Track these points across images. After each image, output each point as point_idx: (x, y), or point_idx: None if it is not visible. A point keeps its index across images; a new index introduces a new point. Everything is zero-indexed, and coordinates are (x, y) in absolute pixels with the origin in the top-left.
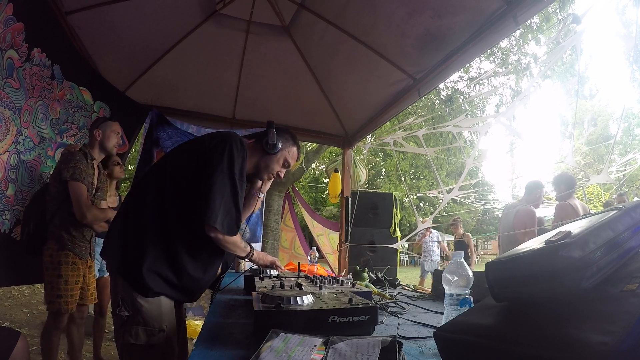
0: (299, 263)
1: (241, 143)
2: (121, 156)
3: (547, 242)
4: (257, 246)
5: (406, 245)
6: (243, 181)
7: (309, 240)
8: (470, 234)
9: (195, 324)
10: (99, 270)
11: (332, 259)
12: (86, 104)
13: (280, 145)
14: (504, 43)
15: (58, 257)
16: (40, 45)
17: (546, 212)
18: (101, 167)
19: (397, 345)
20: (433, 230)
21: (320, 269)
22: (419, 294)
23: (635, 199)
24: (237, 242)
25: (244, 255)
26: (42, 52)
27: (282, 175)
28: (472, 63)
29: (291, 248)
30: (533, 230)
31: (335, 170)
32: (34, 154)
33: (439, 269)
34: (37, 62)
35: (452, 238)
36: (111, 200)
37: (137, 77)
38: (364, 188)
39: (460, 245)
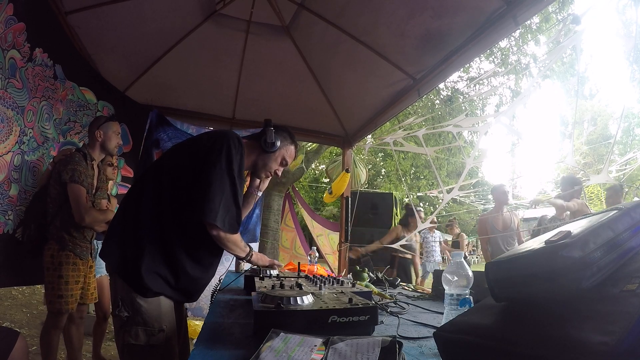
0: (299, 263)
1: (239, 141)
2: (127, 155)
3: (547, 242)
4: (255, 246)
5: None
6: (242, 179)
7: (309, 241)
8: (464, 234)
9: (195, 324)
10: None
11: (332, 259)
12: (89, 103)
13: (278, 143)
14: (503, 43)
15: (59, 257)
16: (42, 45)
17: (546, 211)
18: (101, 167)
19: (397, 345)
20: (436, 231)
21: (320, 269)
22: (419, 294)
23: (635, 198)
24: (237, 241)
25: (243, 255)
26: (44, 52)
27: (280, 174)
28: (472, 63)
29: (292, 248)
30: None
31: (347, 171)
32: (38, 154)
33: (440, 269)
34: (39, 62)
35: (450, 238)
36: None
37: (137, 77)
38: (364, 188)
39: (456, 244)
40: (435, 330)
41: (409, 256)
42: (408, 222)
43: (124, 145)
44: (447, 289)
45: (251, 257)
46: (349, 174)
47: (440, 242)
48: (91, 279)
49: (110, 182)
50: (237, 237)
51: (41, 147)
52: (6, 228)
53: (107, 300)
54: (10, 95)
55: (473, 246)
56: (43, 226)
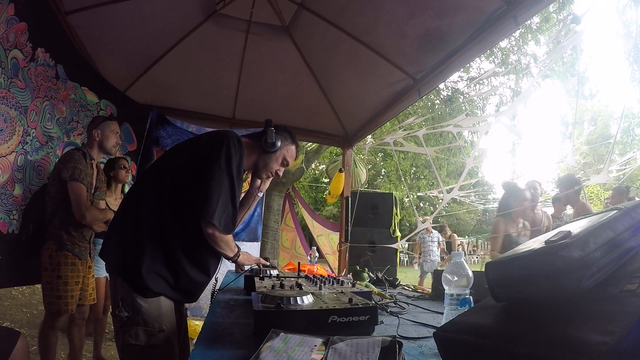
0: (299, 263)
1: (238, 141)
2: (132, 155)
3: (547, 242)
4: (257, 245)
5: (406, 245)
6: (240, 179)
7: (309, 241)
8: (455, 235)
9: (195, 324)
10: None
11: (332, 259)
12: (89, 104)
13: (279, 143)
14: (503, 43)
15: (57, 257)
16: (44, 45)
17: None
18: (100, 167)
19: (397, 345)
20: (433, 231)
21: (320, 269)
22: (419, 294)
23: (636, 198)
24: (229, 241)
25: (232, 255)
26: (46, 52)
27: (281, 174)
28: (472, 63)
29: (292, 248)
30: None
31: (340, 170)
32: (42, 153)
33: (439, 268)
34: (41, 62)
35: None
36: (116, 204)
37: (137, 77)
38: (364, 188)
39: (448, 245)
40: (435, 330)
41: None
42: (510, 209)
43: (129, 144)
44: (447, 289)
45: (238, 257)
46: (343, 173)
47: (438, 242)
48: (89, 279)
49: (121, 185)
50: (230, 237)
51: (45, 147)
52: (10, 228)
53: (102, 297)
54: (14, 96)
55: (473, 246)
56: (42, 225)
